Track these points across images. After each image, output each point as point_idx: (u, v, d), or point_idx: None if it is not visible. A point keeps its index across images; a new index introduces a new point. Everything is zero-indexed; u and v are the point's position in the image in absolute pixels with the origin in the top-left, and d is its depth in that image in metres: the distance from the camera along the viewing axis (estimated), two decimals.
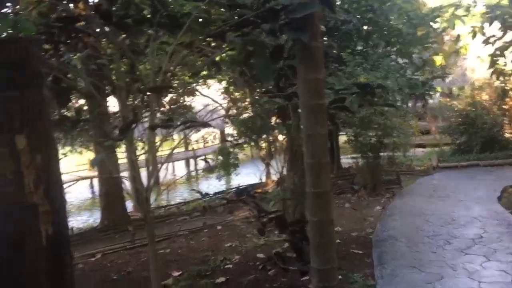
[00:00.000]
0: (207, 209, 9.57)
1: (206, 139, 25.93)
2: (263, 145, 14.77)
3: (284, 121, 4.83)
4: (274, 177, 14.07)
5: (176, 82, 13.24)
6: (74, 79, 4.45)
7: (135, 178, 4.03)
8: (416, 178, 13.26)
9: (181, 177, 21.39)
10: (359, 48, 13.41)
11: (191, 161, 25.96)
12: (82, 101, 10.46)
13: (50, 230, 2.24)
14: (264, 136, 12.99)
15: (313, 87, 3.07)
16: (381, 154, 12.17)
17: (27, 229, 2.18)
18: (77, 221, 14.82)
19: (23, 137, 2.13)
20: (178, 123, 3.58)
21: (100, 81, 5.06)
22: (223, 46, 5.04)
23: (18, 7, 5.05)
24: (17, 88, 2.13)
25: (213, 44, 5.27)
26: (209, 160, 18.66)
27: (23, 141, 2.13)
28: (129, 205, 12.38)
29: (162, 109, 14.94)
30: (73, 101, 10.09)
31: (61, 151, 14.01)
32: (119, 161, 10.26)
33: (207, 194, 12.49)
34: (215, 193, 15.09)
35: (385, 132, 11.30)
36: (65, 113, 6.26)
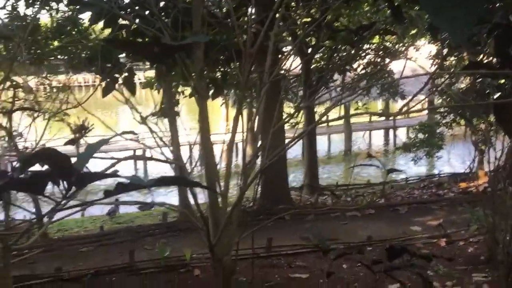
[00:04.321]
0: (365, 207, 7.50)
1: (410, 107, 22.74)
2: (480, 125, 11.60)
3: (503, 121, 2.51)
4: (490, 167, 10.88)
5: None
6: None
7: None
8: None
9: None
10: None
11: (391, 132, 23.23)
12: None
13: None
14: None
15: None
16: None
17: None
18: None
19: None
20: None
21: None
22: None
23: None
24: None
25: None
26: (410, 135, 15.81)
27: None
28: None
29: (355, 72, 12.86)
30: None
31: None
32: None
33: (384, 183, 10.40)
34: (406, 179, 12.56)
35: None
36: None
